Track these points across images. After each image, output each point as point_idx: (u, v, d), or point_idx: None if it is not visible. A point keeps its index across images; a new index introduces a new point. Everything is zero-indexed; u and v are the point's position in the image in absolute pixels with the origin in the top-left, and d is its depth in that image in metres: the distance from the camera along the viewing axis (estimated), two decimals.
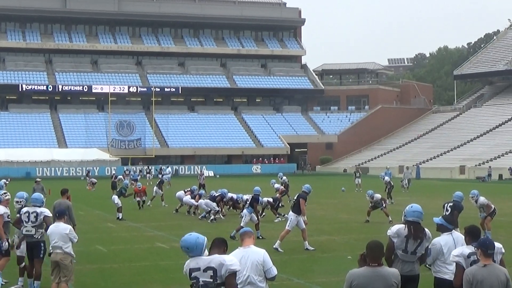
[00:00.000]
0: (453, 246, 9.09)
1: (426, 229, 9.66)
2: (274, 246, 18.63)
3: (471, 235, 8.39)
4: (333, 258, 17.63)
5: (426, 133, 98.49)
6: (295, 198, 19.68)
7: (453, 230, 9.47)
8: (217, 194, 27.94)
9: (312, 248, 18.86)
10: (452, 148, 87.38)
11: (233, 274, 7.23)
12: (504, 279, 7.38)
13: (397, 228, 9.56)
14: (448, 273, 8.98)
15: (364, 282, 6.75)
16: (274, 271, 8.16)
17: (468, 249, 8.26)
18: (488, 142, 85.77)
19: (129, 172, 59.99)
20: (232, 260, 7.29)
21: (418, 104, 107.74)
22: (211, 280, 7.14)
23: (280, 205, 28.32)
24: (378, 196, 26.34)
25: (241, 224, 22.64)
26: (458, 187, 32.93)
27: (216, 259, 7.22)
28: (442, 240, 9.38)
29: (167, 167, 71.14)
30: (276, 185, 34.27)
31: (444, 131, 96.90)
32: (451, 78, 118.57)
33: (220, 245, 7.53)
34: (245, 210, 22.60)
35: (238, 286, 8.02)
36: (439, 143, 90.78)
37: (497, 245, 8.41)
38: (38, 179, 31.06)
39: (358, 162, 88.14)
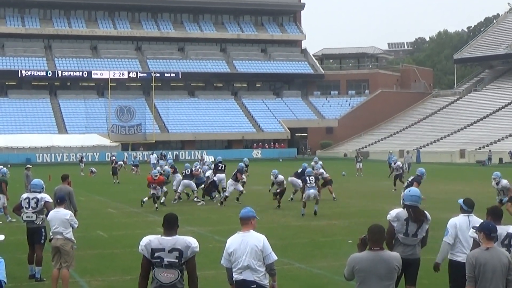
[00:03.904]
0: (467, 228, 9.12)
1: (426, 212, 9.69)
2: None
3: (493, 215, 8.38)
4: (333, 243, 17.64)
5: (426, 117, 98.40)
6: (410, 180, 19.57)
7: (472, 214, 9.49)
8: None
9: None
10: (452, 132, 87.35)
11: (195, 255, 7.57)
12: (507, 262, 7.38)
13: (397, 212, 9.60)
14: (460, 255, 9.04)
15: (366, 266, 6.74)
16: (273, 256, 8.14)
17: None
18: (488, 126, 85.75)
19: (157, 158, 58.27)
20: (195, 242, 7.59)
21: (418, 88, 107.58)
22: (177, 260, 7.42)
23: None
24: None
25: (226, 194, 26.60)
26: (458, 171, 33.00)
27: (181, 240, 7.50)
28: (457, 220, 9.46)
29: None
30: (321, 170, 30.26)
31: (444, 115, 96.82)
32: (451, 62, 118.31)
33: (176, 223, 7.67)
34: (230, 180, 26.46)
35: (238, 271, 8.10)
36: (439, 127, 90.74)
37: None
38: (29, 166, 30.15)
39: (359, 147, 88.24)
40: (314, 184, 23.08)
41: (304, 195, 23.39)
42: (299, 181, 27.24)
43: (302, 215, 23.09)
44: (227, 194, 26.79)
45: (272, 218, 22.51)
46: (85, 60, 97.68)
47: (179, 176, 29.34)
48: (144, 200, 26.86)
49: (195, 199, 27.96)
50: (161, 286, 7.44)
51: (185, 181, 28.03)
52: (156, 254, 7.43)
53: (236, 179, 26.92)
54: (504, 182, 20.67)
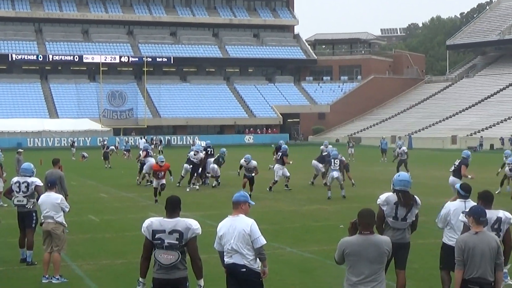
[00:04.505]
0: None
1: (415, 196, 9.73)
2: None
3: (484, 200, 8.39)
4: (325, 227, 17.69)
5: (418, 103, 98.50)
6: (457, 164, 20.00)
7: (469, 199, 9.50)
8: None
9: None
10: (444, 118, 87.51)
11: (196, 237, 7.59)
12: (495, 246, 7.42)
13: (386, 196, 9.64)
14: (453, 240, 8.98)
15: (356, 250, 6.76)
16: (262, 241, 8.14)
17: None
18: (480, 112, 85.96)
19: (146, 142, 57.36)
20: (197, 224, 7.62)
21: (411, 74, 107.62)
22: (177, 242, 7.46)
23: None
24: None
25: (276, 179, 26.44)
26: (449, 157, 33.05)
27: (182, 222, 7.53)
28: (453, 205, 9.47)
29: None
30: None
31: (436, 101, 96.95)
32: (444, 48, 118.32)
33: (179, 206, 7.70)
34: (277, 165, 26.85)
35: (228, 254, 8.13)
36: (431, 113, 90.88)
37: (507, 214, 8.46)
38: (20, 150, 30.02)
39: (351, 132, 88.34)
40: (338, 167, 24.09)
41: (327, 177, 24.68)
42: (321, 165, 28.60)
43: (328, 198, 23.42)
44: (276, 179, 26.86)
45: (264, 203, 22.54)
46: (76, 44, 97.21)
47: (150, 160, 29.04)
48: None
49: (193, 185, 27.86)
50: (161, 267, 7.48)
51: (187, 165, 28.12)
52: (157, 236, 7.48)
53: (282, 163, 26.96)
54: None
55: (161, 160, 24.21)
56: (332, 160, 24.28)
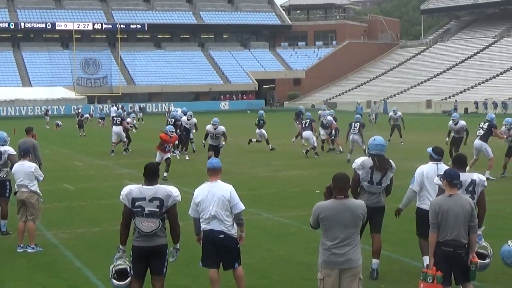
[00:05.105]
0: (435, 175, 9.10)
1: (390, 160, 9.75)
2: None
3: (457, 163, 8.41)
4: (301, 193, 17.76)
5: (393, 68, 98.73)
6: (485, 127, 19.94)
7: (441, 162, 9.52)
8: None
9: (493, 178, 18.68)
10: (419, 83, 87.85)
11: (176, 204, 7.55)
12: (469, 208, 7.46)
13: (362, 160, 9.66)
14: (427, 204, 8.95)
15: (331, 214, 6.75)
16: (241, 206, 8.16)
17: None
18: (454, 77, 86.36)
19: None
20: (177, 191, 7.59)
21: (385, 39, 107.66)
22: (157, 209, 7.41)
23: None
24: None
25: (314, 144, 26.55)
26: (424, 121, 33.22)
27: (162, 190, 7.48)
28: (425, 168, 9.46)
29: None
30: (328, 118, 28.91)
31: (411, 66, 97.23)
32: (418, 12, 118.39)
33: (157, 173, 7.64)
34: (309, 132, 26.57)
35: (205, 221, 8.15)
36: (406, 78, 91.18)
37: (481, 177, 8.50)
38: None
39: (326, 98, 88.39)
40: (358, 130, 24.83)
41: (347, 141, 25.47)
42: (323, 131, 28.58)
43: (347, 161, 23.21)
44: (315, 145, 26.78)
45: (241, 169, 22.56)
46: (48, 11, 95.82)
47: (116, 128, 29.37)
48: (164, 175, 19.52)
49: (185, 151, 27.63)
50: (141, 235, 7.44)
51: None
52: (137, 203, 7.42)
53: (312, 129, 26.94)
54: None
55: (170, 130, 21.11)
56: (353, 123, 25.02)
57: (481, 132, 20.02)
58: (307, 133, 26.90)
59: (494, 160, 19.62)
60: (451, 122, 23.57)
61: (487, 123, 20.09)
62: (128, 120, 33.00)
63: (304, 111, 31.31)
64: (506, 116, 25.26)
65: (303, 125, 27.59)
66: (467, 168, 19.01)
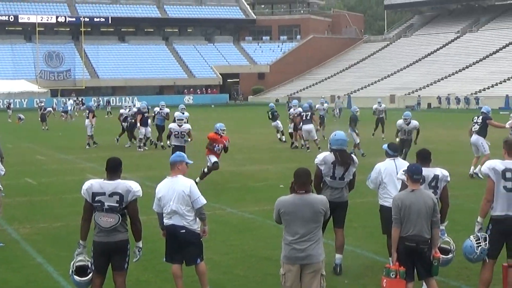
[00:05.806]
0: (394, 171, 9.16)
1: (353, 155, 9.79)
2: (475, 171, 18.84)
3: (421, 158, 8.44)
4: (265, 187, 17.79)
5: (357, 62, 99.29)
6: (480, 121, 19.36)
7: (398, 157, 9.55)
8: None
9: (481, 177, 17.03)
10: (383, 78, 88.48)
11: (137, 199, 7.49)
12: (431, 203, 7.52)
13: (324, 155, 9.67)
14: (388, 200, 8.93)
15: (291, 209, 6.76)
16: (202, 201, 8.13)
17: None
18: (417, 72, 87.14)
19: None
20: (137, 186, 7.52)
21: (349, 34, 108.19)
22: (117, 205, 7.35)
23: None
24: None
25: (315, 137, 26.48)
26: (388, 116, 33.38)
27: (122, 185, 7.41)
28: (383, 165, 9.43)
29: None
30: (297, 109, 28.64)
31: (375, 60, 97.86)
32: (382, 7, 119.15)
33: (119, 168, 7.59)
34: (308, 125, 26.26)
35: (167, 216, 8.14)
36: (369, 72, 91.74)
37: (444, 172, 8.54)
38: None
39: (290, 92, 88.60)
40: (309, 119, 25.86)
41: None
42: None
43: (362, 155, 23.11)
44: (316, 137, 26.76)
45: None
46: (11, 3, 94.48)
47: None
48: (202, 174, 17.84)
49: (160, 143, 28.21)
50: (101, 230, 7.38)
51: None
52: (97, 198, 7.35)
53: (311, 122, 26.83)
54: None
55: (222, 128, 17.56)
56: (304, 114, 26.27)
57: (477, 127, 19.33)
58: (308, 126, 26.29)
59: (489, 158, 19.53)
60: (401, 121, 20.76)
61: (481, 117, 19.46)
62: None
63: (297, 104, 31.46)
64: (469, 111, 25.44)
65: (303, 118, 26.58)
66: (472, 168, 19.00)
